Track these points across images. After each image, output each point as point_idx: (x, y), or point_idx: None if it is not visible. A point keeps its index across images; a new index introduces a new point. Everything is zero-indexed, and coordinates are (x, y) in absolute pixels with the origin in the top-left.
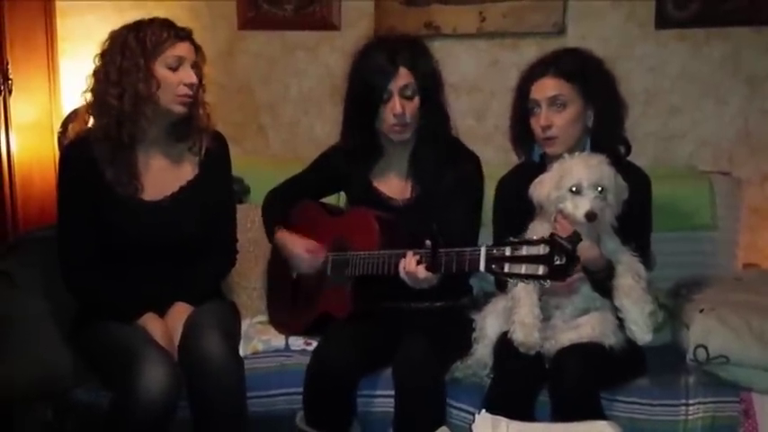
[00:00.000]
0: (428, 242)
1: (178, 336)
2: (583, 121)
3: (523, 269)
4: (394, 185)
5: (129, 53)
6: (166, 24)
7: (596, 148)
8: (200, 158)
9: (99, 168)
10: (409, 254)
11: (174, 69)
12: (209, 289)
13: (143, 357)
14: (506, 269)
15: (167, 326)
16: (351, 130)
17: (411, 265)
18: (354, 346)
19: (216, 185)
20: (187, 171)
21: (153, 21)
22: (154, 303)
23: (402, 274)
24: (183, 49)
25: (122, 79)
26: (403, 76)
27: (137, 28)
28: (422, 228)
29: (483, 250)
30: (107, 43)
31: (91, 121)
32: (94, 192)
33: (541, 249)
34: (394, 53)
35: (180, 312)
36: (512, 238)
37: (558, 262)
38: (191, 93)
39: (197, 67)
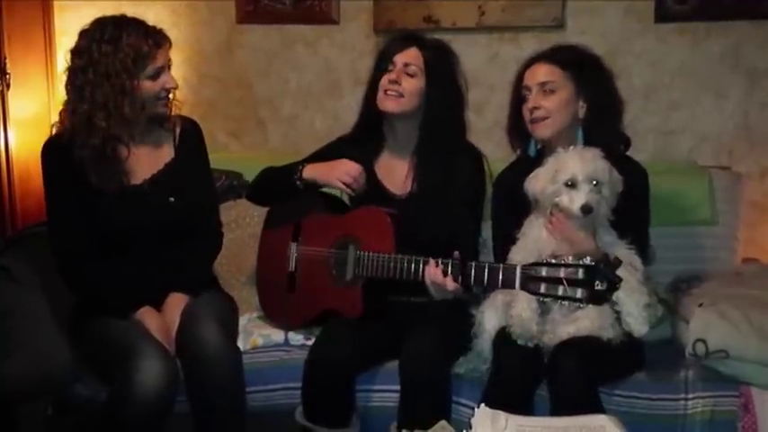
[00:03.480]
0: (456, 253)
1: (175, 327)
2: (573, 108)
3: (560, 291)
4: (396, 179)
5: (115, 76)
6: (142, 31)
7: (589, 143)
8: (174, 141)
9: (82, 169)
10: (432, 262)
11: (155, 78)
12: (200, 274)
13: (139, 352)
14: (542, 290)
15: (164, 319)
16: (361, 111)
17: (438, 276)
18: (353, 341)
19: (193, 167)
20: (164, 155)
21: (129, 30)
22: (148, 294)
23: (427, 282)
24: (161, 57)
25: (108, 103)
26: (411, 54)
27: (115, 44)
28: (419, 224)
29: (518, 270)
30: (85, 58)
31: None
32: (78, 186)
33: (581, 273)
34: (414, 35)
35: (176, 303)
36: (548, 259)
37: (598, 287)
38: (167, 92)
39: (170, 64)
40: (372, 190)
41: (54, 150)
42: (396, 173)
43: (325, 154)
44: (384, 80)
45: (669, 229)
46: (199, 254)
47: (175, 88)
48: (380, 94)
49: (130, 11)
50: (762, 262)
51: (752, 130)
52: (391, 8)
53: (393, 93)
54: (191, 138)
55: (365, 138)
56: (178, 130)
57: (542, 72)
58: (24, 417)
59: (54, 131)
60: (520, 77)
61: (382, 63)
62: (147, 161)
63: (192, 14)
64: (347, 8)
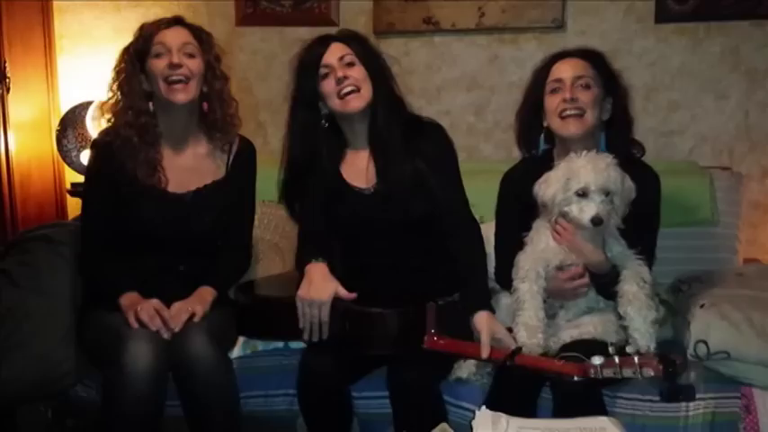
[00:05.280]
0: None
1: (203, 313)
2: (600, 110)
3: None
4: (358, 174)
5: (128, 68)
6: (164, 19)
7: (610, 147)
8: (228, 161)
9: (121, 162)
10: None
11: (160, 57)
12: (230, 281)
13: (125, 335)
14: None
15: (149, 302)
16: (298, 130)
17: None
18: (337, 354)
19: (240, 189)
20: (214, 170)
21: (154, 20)
22: (166, 297)
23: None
24: (169, 35)
25: (127, 94)
26: (337, 49)
27: (139, 33)
28: (391, 209)
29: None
30: (120, 55)
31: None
32: (118, 181)
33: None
34: (325, 36)
35: (204, 295)
36: (599, 369)
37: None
38: (176, 75)
39: (196, 55)
40: (339, 192)
41: (98, 142)
42: (357, 167)
43: (302, 181)
44: (329, 85)
45: (670, 230)
46: (228, 267)
47: (176, 64)
48: (336, 101)
49: (130, 13)
50: (763, 262)
51: (752, 131)
52: (391, 10)
53: (349, 88)
54: (244, 160)
55: (318, 146)
56: (234, 150)
57: (576, 66)
58: (24, 420)
59: (64, 134)
60: (545, 73)
61: (312, 72)
62: (197, 172)
63: (192, 17)
64: (347, 10)
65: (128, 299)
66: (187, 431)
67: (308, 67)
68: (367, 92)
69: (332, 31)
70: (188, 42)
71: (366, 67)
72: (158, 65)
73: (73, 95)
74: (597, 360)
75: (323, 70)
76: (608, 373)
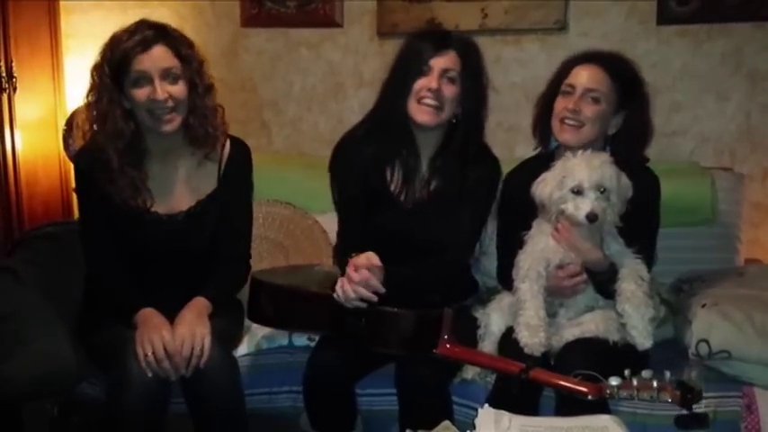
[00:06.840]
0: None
1: (201, 328)
2: (606, 123)
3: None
4: (406, 185)
5: (107, 92)
6: (136, 33)
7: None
8: (219, 170)
9: (104, 187)
10: None
11: (138, 86)
12: (227, 296)
13: (132, 340)
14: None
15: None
16: (382, 112)
17: None
18: (347, 352)
19: (234, 197)
20: (206, 184)
21: (130, 29)
22: (169, 310)
23: None
24: (148, 61)
25: (107, 120)
26: (450, 59)
27: (111, 52)
28: (421, 230)
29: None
30: (92, 74)
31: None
32: (107, 206)
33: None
34: (449, 36)
35: (201, 309)
36: (616, 390)
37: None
38: (166, 107)
39: (180, 77)
40: (379, 197)
41: (80, 160)
42: (407, 179)
43: (344, 161)
44: (420, 87)
45: (671, 230)
46: (224, 282)
47: (160, 99)
48: (414, 104)
49: (136, 14)
50: (764, 263)
51: (754, 132)
52: (394, 11)
53: (431, 103)
54: (237, 166)
55: (383, 137)
56: (225, 156)
57: (593, 77)
58: (29, 417)
59: (70, 134)
60: (565, 72)
61: (415, 64)
62: (188, 189)
63: (197, 18)
64: (350, 11)
65: (141, 316)
66: (192, 429)
67: (415, 57)
68: (446, 114)
69: (337, 32)
70: (170, 67)
71: (463, 88)
72: (140, 95)
73: (79, 95)
74: (614, 381)
75: (425, 67)
76: (624, 395)
